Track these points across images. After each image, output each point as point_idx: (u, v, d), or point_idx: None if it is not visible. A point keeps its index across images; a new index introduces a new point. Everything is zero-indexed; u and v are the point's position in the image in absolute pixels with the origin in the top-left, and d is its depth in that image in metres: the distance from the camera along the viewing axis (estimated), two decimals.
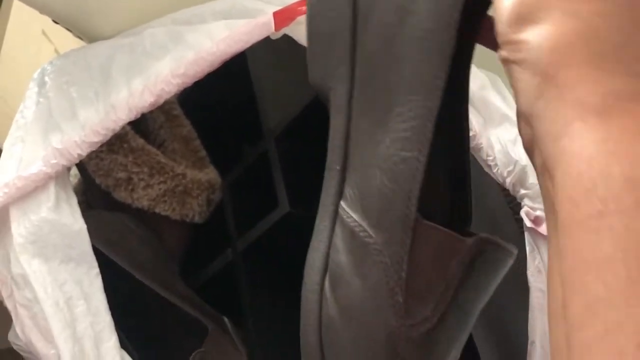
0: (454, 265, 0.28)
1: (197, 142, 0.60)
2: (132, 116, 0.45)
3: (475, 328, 0.36)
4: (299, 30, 0.48)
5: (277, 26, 0.46)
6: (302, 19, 0.48)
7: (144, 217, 0.55)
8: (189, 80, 0.45)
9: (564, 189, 0.21)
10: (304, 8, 0.45)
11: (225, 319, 0.49)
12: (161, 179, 0.54)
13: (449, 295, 0.28)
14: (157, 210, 0.54)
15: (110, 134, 0.45)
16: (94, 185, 0.55)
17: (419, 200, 0.28)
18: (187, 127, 0.60)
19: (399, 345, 0.28)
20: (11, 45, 0.88)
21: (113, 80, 0.47)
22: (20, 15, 0.91)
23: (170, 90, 0.45)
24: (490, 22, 0.27)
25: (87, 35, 0.62)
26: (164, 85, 0.45)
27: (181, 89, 0.46)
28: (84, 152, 0.45)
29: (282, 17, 0.46)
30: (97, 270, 0.45)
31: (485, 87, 0.45)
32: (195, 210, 0.55)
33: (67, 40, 1.06)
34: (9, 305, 0.46)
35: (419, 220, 0.28)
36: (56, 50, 1.05)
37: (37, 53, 0.98)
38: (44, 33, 1.00)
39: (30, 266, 0.44)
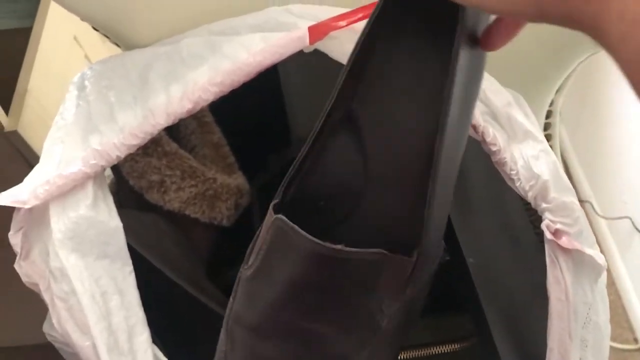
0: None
1: (227, 149, 0.62)
2: (169, 121, 0.47)
3: (497, 332, 0.37)
4: (330, 45, 0.50)
5: (312, 40, 0.48)
6: (334, 33, 0.49)
7: (174, 219, 0.57)
8: (225, 89, 0.47)
9: None
10: (339, 23, 0.47)
11: None
12: (192, 182, 0.56)
13: None
14: (187, 213, 0.56)
15: (148, 138, 0.47)
16: (127, 186, 0.57)
17: None
18: (217, 134, 0.62)
19: None
20: (45, 49, 0.91)
21: (151, 86, 0.49)
22: (55, 20, 0.93)
23: (208, 98, 0.47)
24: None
25: (125, 42, 0.64)
26: (202, 92, 0.47)
27: (218, 97, 0.48)
28: (122, 154, 0.46)
29: (317, 31, 0.48)
30: (131, 267, 0.47)
31: (510, 105, 0.47)
32: (223, 214, 0.57)
33: (97, 47, 1.09)
34: (46, 297, 0.48)
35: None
36: (86, 56, 1.07)
37: (68, 57, 1.01)
38: (75, 39, 1.03)
39: (68, 260, 0.45)
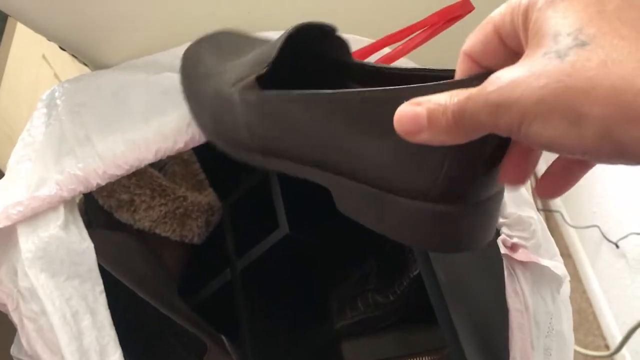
0: None
1: (197, 165, 0.62)
2: (158, 157, 0.46)
3: (467, 345, 0.38)
4: None
5: None
6: None
7: (144, 238, 0.57)
8: None
9: None
10: None
11: (223, 337, 0.51)
12: (162, 201, 0.56)
13: None
14: (157, 231, 0.56)
15: (132, 170, 0.46)
16: (97, 205, 0.57)
17: None
18: (187, 151, 0.62)
19: None
20: (13, 68, 0.91)
21: (131, 114, 0.48)
22: (23, 39, 0.93)
23: (200, 139, 0.47)
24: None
25: (93, 62, 0.64)
26: (195, 134, 0.46)
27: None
28: (103, 182, 0.46)
29: None
30: (101, 287, 0.47)
31: None
32: (194, 232, 0.57)
33: (66, 66, 1.09)
34: (14, 318, 0.47)
35: None
36: (55, 75, 1.07)
37: (37, 76, 1.01)
38: (44, 57, 1.02)
39: (38, 280, 0.45)
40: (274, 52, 0.38)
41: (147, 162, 0.48)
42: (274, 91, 0.37)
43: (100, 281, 0.47)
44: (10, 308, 0.48)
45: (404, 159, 0.30)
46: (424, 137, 0.26)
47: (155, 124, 0.48)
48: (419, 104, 0.26)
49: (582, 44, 0.21)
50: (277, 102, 0.37)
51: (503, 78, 0.23)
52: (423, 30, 0.47)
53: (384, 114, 0.29)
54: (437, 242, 0.31)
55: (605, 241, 1.40)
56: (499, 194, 0.32)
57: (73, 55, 0.66)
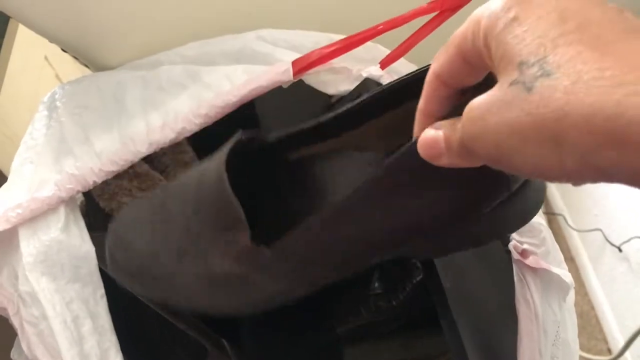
0: None
1: None
2: (151, 150, 0.47)
3: (471, 351, 0.38)
4: (311, 77, 0.50)
5: (295, 74, 0.48)
6: (317, 69, 0.49)
7: None
8: (210, 121, 0.47)
9: None
10: (321, 57, 0.48)
11: (224, 341, 0.50)
12: None
13: None
14: None
15: (127, 165, 0.47)
16: (97, 208, 0.56)
17: None
18: (189, 154, 0.62)
19: None
20: (14, 69, 0.90)
21: (128, 111, 0.49)
22: (25, 40, 0.93)
23: (192, 129, 0.47)
24: None
25: (94, 63, 0.64)
26: (186, 124, 0.47)
27: (201, 128, 0.48)
28: (99, 179, 0.46)
29: (300, 66, 0.48)
30: (102, 291, 0.47)
31: None
32: None
33: (68, 67, 1.08)
34: (15, 322, 0.47)
35: None
36: (57, 76, 1.07)
37: (38, 78, 1.00)
38: (46, 59, 1.02)
39: (39, 284, 0.45)
40: (238, 210, 0.35)
41: (141, 155, 0.48)
42: (284, 238, 0.36)
43: (102, 285, 0.47)
44: (11, 312, 0.47)
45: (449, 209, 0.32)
46: (445, 162, 0.26)
47: (149, 117, 0.48)
48: (439, 127, 0.27)
49: (548, 74, 0.21)
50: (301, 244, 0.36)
51: (475, 109, 0.23)
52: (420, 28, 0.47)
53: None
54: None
55: (608, 245, 1.39)
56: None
57: (74, 57, 0.65)
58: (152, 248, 0.41)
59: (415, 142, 0.28)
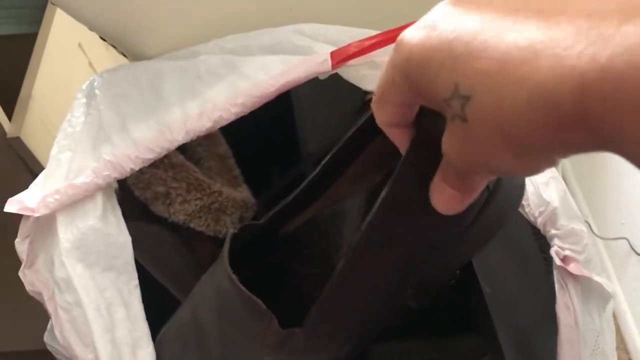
0: None
1: (232, 161, 0.62)
2: (188, 138, 0.47)
3: (510, 357, 0.38)
4: (349, 71, 0.50)
5: (334, 66, 0.48)
6: (354, 61, 0.49)
7: (178, 231, 0.56)
8: (246, 110, 0.47)
9: None
10: (360, 50, 0.48)
11: None
12: (198, 195, 0.56)
13: None
14: (192, 226, 0.56)
15: (164, 152, 0.47)
16: (132, 197, 0.57)
17: None
18: (223, 146, 0.62)
19: None
20: (50, 56, 0.91)
21: (165, 99, 0.49)
22: (60, 27, 0.94)
23: (229, 117, 0.47)
24: None
25: (132, 53, 0.64)
26: (223, 112, 0.47)
27: (238, 117, 0.48)
28: (136, 167, 0.47)
29: (339, 57, 0.48)
30: (136, 281, 0.47)
31: None
32: (228, 227, 0.57)
33: (101, 55, 1.09)
34: (49, 307, 0.47)
35: None
36: (90, 64, 1.08)
37: (72, 64, 1.01)
38: (80, 46, 1.03)
39: (75, 270, 0.45)
40: (260, 309, 0.37)
41: (177, 143, 0.48)
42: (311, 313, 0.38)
43: (136, 275, 0.47)
44: (46, 297, 0.48)
45: None
46: (460, 207, 0.29)
47: (186, 106, 0.48)
48: (442, 182, 0.29)
49: (468, 99, 0.22)
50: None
51: (448, 149, 0.25)
52: None
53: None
54: None
55: (634, 254, 1.37)
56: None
57: (112, 45, 0.66)
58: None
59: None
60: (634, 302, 1.41)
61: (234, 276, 0.38)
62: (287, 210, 0.43)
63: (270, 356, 0.38)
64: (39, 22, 0.92)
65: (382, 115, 0.29)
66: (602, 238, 1.54)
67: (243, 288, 0.37)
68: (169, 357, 0.45)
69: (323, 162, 0.41)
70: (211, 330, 0.42)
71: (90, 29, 0.62)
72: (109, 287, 0.46)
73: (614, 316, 1.46)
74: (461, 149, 0.24)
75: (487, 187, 0.32)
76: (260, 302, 0.37)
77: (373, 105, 0.29)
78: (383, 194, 0.32)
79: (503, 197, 0.33)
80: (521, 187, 0.35)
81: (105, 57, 1.05)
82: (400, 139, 0.31)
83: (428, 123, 0.29)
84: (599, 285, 0.41)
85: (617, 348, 1.41)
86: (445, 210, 0.29)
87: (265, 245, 0.46)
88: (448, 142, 0.25)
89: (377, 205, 0.32)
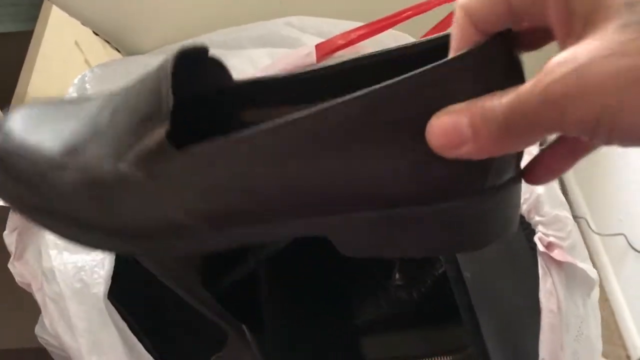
0: None
1: None
2: None
3: (491, 343, 0.38)
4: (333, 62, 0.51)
5: (319, 58, 0.48)
6: (341, 53, 0.49)
7: None
8: None
9: None
10: (346, 42, 0.48)
11: (244, 326, 0.50)
12: None
13: None
14: None
15: None
16: None
17: None
18: None
19: None
20: (46, 52, 0.91)
21: None
22: (56, 24, 0.94)
23: None
24: None
25: (125, 48, 0.65)
26: None
27: None
28: None
29: (324, 50, 0.48)
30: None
31: None
32: None
33: (97, 52, 1.09)
34: (38, 298, 0.48)
35: None
36: (86, 61, 1.08)
37: (68, 61, 1.01)
38: (76, 43, 1.03)
39: (59, 261, 0.46)
40: (166, 98, 0.27)
41: None
42: (205, 143, 0.26)
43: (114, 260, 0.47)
44: (35, 288, 0.48)
45: (409, 165, 0.25)
46: (465, 150, 0.22)
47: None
48: (458, 111, 0.22)
49: None
50: (221, 155, 0.26)
51: (564, 65, 0.19)
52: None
53: (384, 121, 0.24)
54: (456, 242, 0.27)
55: (631, 250, 1.37)
56: (513, 182, 0.26)
57: (106, 41, 0.66)
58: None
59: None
60: (631, 298, 1.41)
61: (170, 63, 0.27)
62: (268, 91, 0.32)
63: (129, 167, 0.28)
64: (35, 20, 0.92)
65: None
66: (599, 234, 1.54)
67: (168, 77, 0.27)
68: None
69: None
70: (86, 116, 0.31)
71: (84, 23, 0.62)
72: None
73: (612, 313, 1.46)
74: (609, 70, 0.18)
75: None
76: (171, 99, 0.27)
77: None
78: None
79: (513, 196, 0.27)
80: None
81: (102, 54, 1.05)
82: (466, 37, 0.23)
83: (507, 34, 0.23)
84: (583, 271, 0.41)
85: (614, 344, 1.41)
86: (438, 143, 0.22)
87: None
88: (581, 58, 0.19)
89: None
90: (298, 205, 0.27)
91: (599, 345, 0.43)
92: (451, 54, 0.23)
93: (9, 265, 0.49)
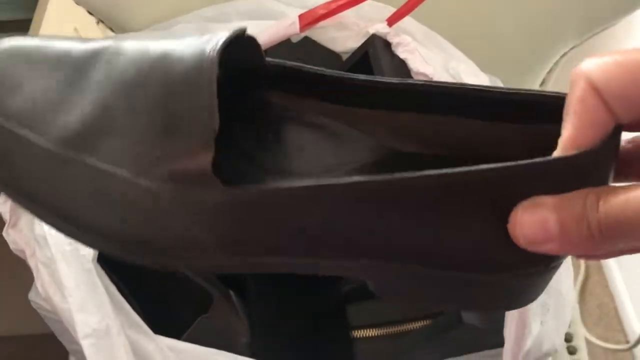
0: None
1: None
2: None
3: None
4: (319, 33, 0.52)
5: (302, 28, 0.49)
6: (324, 23, 0.51)
7: None
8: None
9: None
10: (327, 12, 0.49)
11: (230, 291, 0.52)
12: None
13: None
14: None
15: None
16: None
17: None
18: None
19: None
20: None
21: None
22: (55, 12, 0.95)
23: None
24: None
25: (118, 26, 0.66)
26: None
27: None
28: None
29: (307, 20, 0.50)
30: None
31: None
32: None
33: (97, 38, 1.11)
34: (31, 264, 0.49)
35: None
36: None
37: None
38: (75, 31, 1.05)
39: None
40: (211, 116, 0.23)
41: None
42: (258, 186, 0.24)
43: None
44: (28, 254, 0.50)
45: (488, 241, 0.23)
46: (549, 247, 0.21)
47: None
48: (544, 205, 0.20)
49: None
50: (273, 202, 0.24)
51: None
52: None
53: (463, 203, 0.22)
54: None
55: None
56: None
57: (100, 20, 0.68)
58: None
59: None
60: (631, 284, 1.41)
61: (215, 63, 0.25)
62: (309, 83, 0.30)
63: (154, 181, 0.24)
64: (33, 8, 0.94)
65: (602, 68, 0.19)
66: None
67: (214, 86, 0.24)
68: None
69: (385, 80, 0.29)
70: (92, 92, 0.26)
71: (78, 3, 0.64)
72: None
73: (612, 299, 1.46)
74: None
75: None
76: (217, 119, 0.23)
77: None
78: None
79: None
80: None
81: None
82: (590, 120, 0.19)
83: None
84: None
85: (614, 329, 1.42)
86: (523, 238, 0.21)
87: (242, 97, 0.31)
88: None
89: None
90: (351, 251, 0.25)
91: (569, 298, 0.44)
92: (568, 130, 0.20)
93: (4, 234, 0.50)
